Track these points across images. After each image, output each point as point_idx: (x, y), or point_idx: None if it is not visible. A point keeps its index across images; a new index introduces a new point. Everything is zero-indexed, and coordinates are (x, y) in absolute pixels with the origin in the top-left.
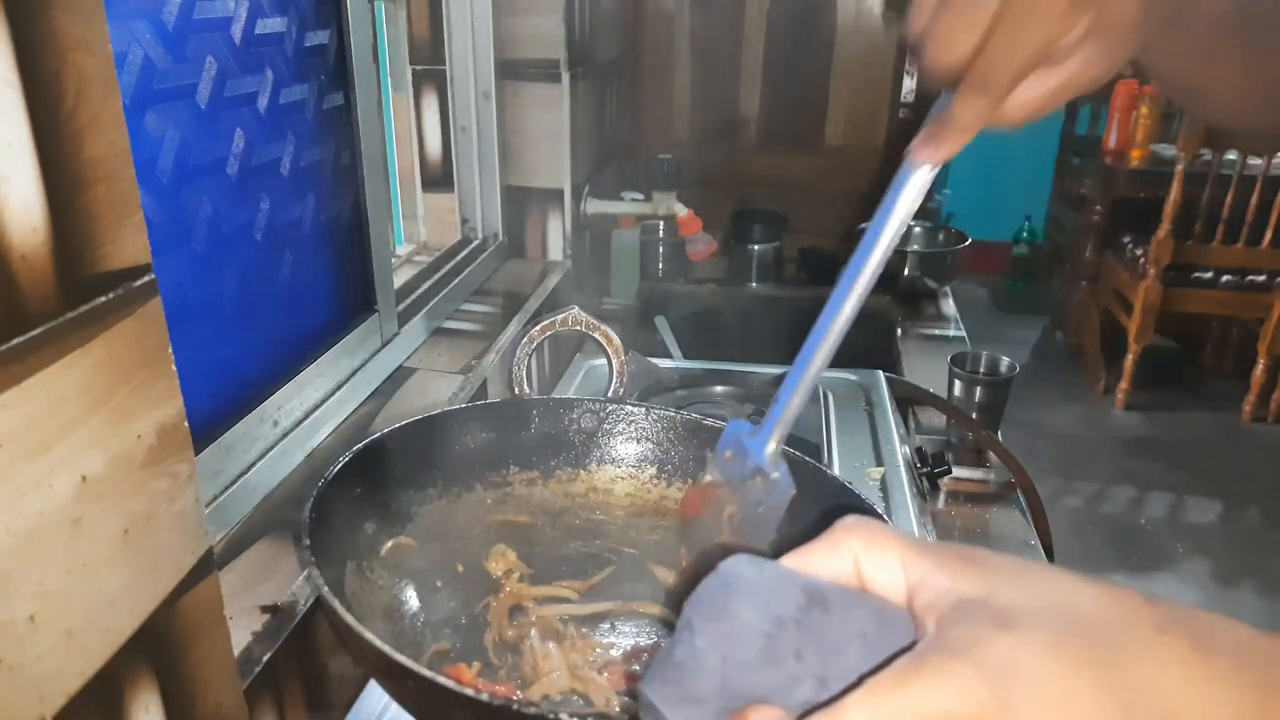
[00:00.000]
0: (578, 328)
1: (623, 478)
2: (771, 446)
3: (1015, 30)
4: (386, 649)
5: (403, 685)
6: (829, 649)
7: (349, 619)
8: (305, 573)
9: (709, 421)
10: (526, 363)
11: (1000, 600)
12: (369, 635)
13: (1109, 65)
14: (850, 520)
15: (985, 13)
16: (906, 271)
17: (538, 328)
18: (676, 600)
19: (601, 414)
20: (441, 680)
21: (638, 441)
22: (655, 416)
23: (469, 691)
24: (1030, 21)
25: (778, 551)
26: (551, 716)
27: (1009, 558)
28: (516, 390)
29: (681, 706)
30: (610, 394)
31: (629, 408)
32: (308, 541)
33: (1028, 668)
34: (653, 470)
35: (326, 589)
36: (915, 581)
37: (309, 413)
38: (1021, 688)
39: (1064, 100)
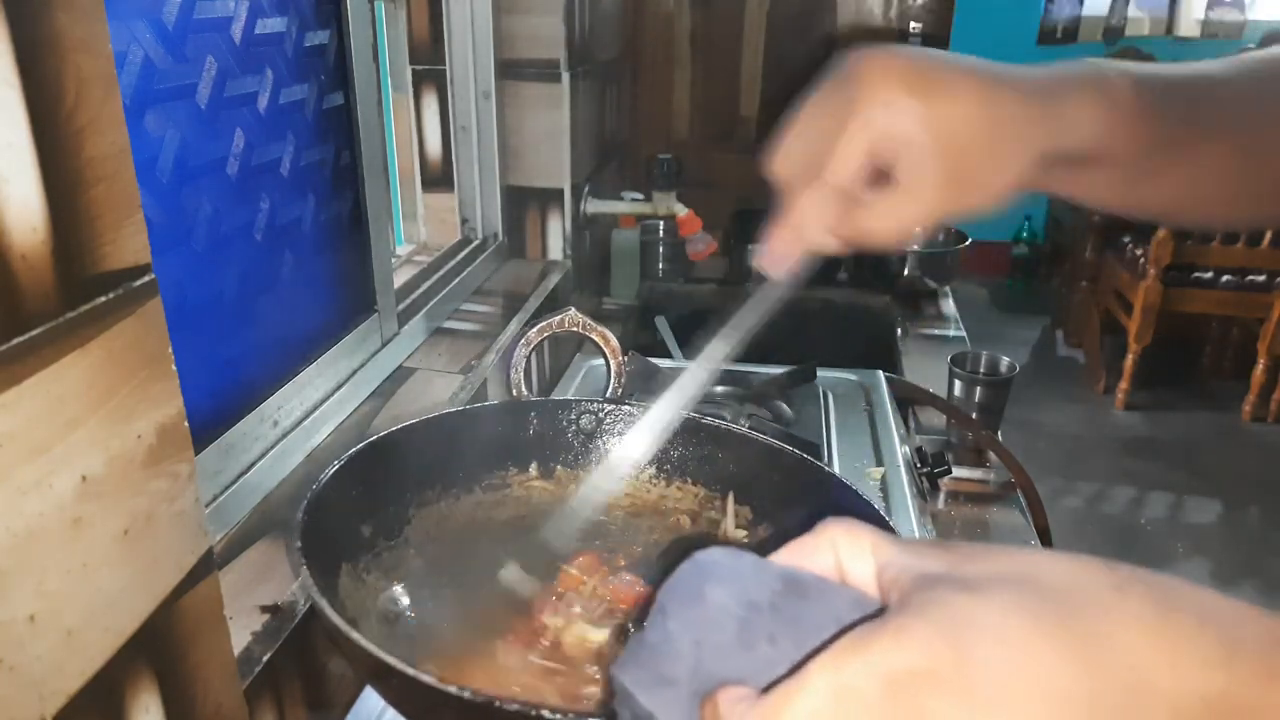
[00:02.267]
0: (575, 329)
1: (622, 478)
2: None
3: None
4: (371, 647)
5: (388, 684)
6: (804, 634)
7: (336, 619)
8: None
9: (709, 421)
10: (524, 364)
11: (962, 572)
12: (355, 635)
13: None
14: (832, 520)
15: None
16: (906, 271)
17: (535, 330)
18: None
19: (600, 415)
20: (425, 678)
21: None
22: None
23: (450, 688)
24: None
25: (765, 551)
26: (533, 713)
27: (976, 544)
28: (514, 392)
29: (654, 689)
30: (609, 395)
31: (628, 408)
32: (299, 544)
33: (986, 624)
34: (652, 470)
35: (316, 590)
36: (882, 563)
37: (309, 413)
38: (980, 643)
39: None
